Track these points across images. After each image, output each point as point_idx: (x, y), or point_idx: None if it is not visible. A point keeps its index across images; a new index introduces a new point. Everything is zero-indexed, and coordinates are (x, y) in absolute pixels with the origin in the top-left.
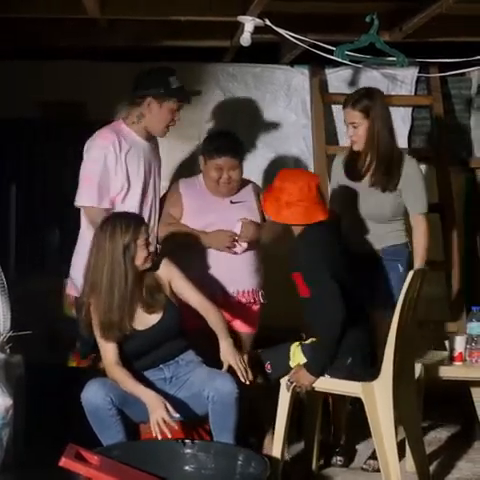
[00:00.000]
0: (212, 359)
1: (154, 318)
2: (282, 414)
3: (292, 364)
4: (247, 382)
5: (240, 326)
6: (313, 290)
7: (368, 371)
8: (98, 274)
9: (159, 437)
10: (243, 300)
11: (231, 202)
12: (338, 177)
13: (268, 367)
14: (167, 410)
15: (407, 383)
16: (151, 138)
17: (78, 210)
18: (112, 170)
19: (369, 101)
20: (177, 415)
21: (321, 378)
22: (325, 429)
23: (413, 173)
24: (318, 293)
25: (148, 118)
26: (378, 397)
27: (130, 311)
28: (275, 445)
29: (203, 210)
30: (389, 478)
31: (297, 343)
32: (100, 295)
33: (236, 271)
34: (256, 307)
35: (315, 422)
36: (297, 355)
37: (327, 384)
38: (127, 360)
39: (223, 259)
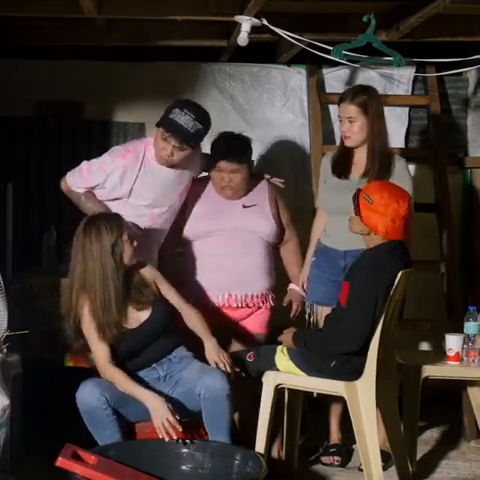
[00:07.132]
0: (202, 357)
1: (144, 315)
2: (265, 411)
3: (277, 361)
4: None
5: (245, 328)
6: (350, 306)
7: (353, 375)
8: (89, 277)
9: (167, 438)
10: (250, 304)
11: (243, 206)
12: (326, 174)
13: (251, 356)
14: (170, 411)
15: (389, 383)
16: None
17: (76, 210)
18: (111, 182)
19: (367, 97)
20: (177, 417)
21: (303, 377)
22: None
23: (403, 174)
24: (351, 317)
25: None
26: (361, 396)
27: (124, 310)
28: (258, 441)
29: (212, 215)
30: (371, 476)
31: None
32: (95, 297)
33: (245, 273)
34: (264, 310)
35: (296, 421)
36: (283, 356)
37: (310, 383)
38: (120, 362)
39: (231, 261)
